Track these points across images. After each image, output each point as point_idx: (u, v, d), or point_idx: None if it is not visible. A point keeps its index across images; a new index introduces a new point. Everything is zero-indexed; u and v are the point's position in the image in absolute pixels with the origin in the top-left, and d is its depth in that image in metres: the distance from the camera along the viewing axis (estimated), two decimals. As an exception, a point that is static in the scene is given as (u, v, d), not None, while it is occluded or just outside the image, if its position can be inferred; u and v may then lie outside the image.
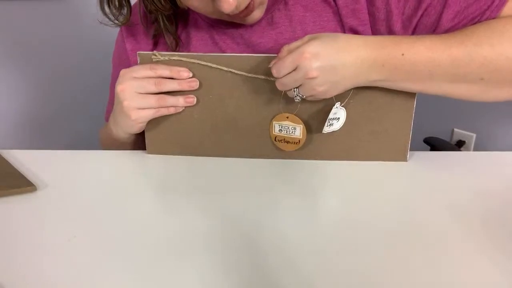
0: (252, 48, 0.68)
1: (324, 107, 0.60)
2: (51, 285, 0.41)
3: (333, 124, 0.60)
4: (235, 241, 0.46)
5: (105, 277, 0.41)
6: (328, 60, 0.52)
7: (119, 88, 0.60)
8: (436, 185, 0.57)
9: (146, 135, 0.66)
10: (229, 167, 0.62)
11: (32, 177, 0.59)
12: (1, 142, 1.63)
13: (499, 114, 1.49)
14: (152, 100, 0.60)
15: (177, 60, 0.60)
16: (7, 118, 1.62)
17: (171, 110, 0.62)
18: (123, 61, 0.74)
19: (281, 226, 0.48)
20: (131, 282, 0.41)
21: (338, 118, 0.60)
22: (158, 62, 0.61)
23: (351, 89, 0.58)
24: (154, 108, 0.61)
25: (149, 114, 0.61)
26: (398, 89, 0.57)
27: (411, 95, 0.59)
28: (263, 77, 0.59)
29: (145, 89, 0.60)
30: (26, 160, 0.64)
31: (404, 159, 0.63)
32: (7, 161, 0.63)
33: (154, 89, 0.60)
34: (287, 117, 0.60)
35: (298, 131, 0.60)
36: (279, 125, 0.61)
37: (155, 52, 0.60)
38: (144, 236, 0.47)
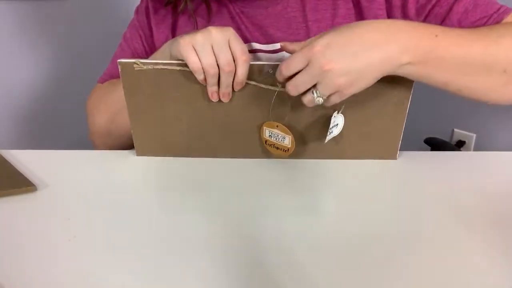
0: (264, 30, 0.68)
1: (313, 112, 0.59)
2: (51, 285, 0.40)
3: (333, 131, 0.60)
4: (233, 241, 0.46)
5: (105, 277, 0.41)
6: (344, 47, 0.47)
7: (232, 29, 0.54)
8: (436, 185, 0.57)
9: (134, 137, 0.64)
10: (222, 166, 0.62)
11: (32, 177, 0.59)
12: (1, 142, 1.63)
13: (499, 114, 1.49)
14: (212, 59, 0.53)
15: (162, 68, 0.57)
16: (7, 118, 1.62)
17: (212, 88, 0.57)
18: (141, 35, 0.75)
19: (278, 225, 0.48)
20: (131, 282, 0.41)
21: (337, 124, 0.59)
22: (140, 71, 0.57)
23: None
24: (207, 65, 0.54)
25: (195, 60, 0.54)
26: (422, 79, 0.53)
27: (405, 98, 0.59)
28: (254, 83, 0.58)
29: (217, 49, 0.53)
30: (26, 160, 0.64)
31: (394, 157, 0.64)
32: (7, 161, 0.63)
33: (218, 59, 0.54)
34: (277, 126, 0.59)
35: (287, 140, 0.59)
36: (269, 131, 0.60)
37: (137, 60, 0.57)
38: (144, 236, 0.47)
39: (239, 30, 0.70)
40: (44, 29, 1.50)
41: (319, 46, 0.48)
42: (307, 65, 0.48)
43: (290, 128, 0.59)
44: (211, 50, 0.53)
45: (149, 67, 0.57)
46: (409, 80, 0.55)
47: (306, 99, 0.52)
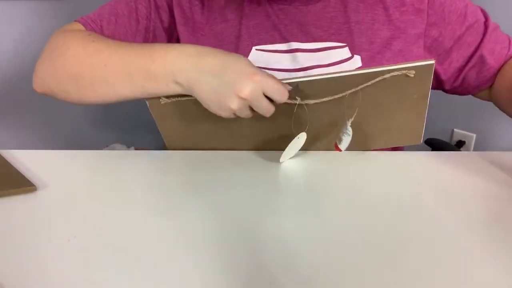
0: (304, 27, 0.68)
1: (330, 116, 0.62)
2: (51, 285, 0.40)
3: (343, 139, 0.61)
4: (235, 241, 0.46)
5: (105, 277, 0.41)
6: None
7: (256, 73, 0.53)
8: (436, 185, 0.57)
9: (166, 143, 0.69)
10: (229, 161, 0.62)
11: (32, 177, 0.59)
12: (1, 142, 1.63)
13: (499, 114, 1.48)
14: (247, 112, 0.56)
15: (186, 100, 0.60)
16: (7, 118, 1.62)
17: None
18: None
19: (279, 224, 0.48)
20: (131, 282, 0.41)
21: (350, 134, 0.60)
22: (166, 104, 0.61)
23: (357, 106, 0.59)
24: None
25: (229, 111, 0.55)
26: None
27: (424, 95, 0.60)
28: None
29: (260, 107, 0.55)
30: (26, 160, 0.64)
31: (419, 141, 0.66)
32: (7, 161, 0.63)
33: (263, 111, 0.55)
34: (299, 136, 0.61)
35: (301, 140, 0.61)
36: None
37: (162, 97, 0.60)
38: (144, 236, 0.47)
39: (276, 30, 0.69)
40: (44, 29, 1.50)
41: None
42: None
43: (309, 130, 0.61)
44: (249, 109, 0.55)
45: (173, 100, 0.61)
46: (427, 77, 0.57)
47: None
